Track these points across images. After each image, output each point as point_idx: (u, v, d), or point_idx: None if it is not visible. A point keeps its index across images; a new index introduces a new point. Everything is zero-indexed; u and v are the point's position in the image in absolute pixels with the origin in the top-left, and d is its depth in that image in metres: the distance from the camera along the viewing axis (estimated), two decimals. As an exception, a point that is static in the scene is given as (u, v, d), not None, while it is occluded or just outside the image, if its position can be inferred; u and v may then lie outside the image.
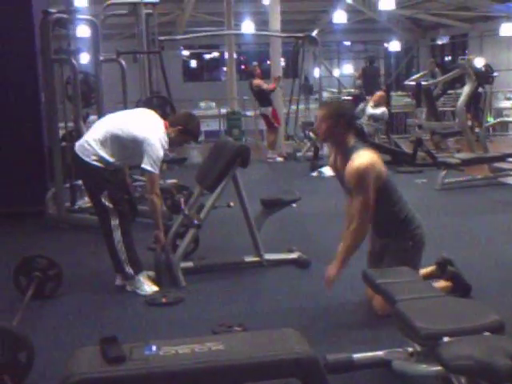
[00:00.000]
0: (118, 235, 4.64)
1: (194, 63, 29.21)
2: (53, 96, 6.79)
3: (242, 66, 26.27)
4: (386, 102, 11.55)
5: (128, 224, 4.75)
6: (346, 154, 4.07)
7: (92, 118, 9.24)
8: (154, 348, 2.75)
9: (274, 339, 2.82)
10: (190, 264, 5.10)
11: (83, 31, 8.96)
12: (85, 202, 6.88)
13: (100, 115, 6.73)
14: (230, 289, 4.82)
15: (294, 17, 21.07)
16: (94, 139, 4.63)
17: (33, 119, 7.33)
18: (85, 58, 9.60)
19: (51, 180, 7.15)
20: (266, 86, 11.91)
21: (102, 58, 7.19)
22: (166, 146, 4.67)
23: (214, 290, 4.78)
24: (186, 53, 27.68)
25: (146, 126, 4.64)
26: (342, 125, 4.07)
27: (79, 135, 7.08)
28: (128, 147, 4.63)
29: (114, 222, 4.63)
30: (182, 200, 5.06)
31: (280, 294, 4.67)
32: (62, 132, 7.47)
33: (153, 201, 4.64)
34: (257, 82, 11.93)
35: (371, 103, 11.23)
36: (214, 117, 16.50)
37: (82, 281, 5.05)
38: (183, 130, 4.79)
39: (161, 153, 4.58)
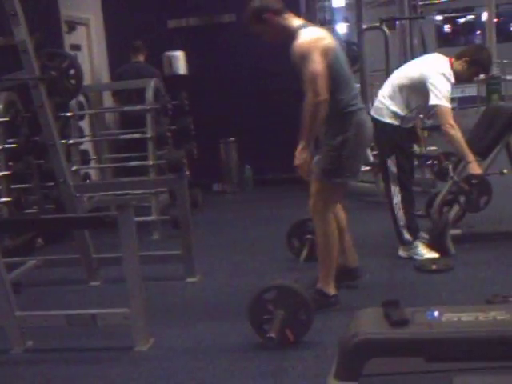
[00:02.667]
0: (397, 200, 4.69)
1: (447, 27, 28.27)
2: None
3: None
4: None
5: (408, 191, 4.76)
6: (294, 37, 3.67)
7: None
8: (436, 314, 2.74)
9: None
10: (458, 232, 4.99)
11: (339, 1, 9.06)
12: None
13: (363, 83, 6.78)
14: (502, 259, 4.64)
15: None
16: (383, 96, 4.74)
17: (296, 91, 7.57)
18: (342, 28, 9.69)
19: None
20: None
21: (364, 27, 7.21)
22: (452, 80, 4.57)
23: (484, 260, 4.65)
24: (438, 17, 26.85)
25: (427, 65, 4.64)
26: (269, 18, 3.73)
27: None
28: (415, 92, 4.62)
29: (395, 187, 4.69)
30: (451, 167, 4.95)
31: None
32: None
33: (448, 132, 4.53)
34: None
35: None
36: (471, 82, 15.83)
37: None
38: (470, 61, 4.66)
39: (446, 86, 4.51)
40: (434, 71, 4.54)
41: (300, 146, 3.65)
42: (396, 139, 4.68)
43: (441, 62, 4.64)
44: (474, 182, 4.61)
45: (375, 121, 4.72)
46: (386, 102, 4.68)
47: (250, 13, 3.83)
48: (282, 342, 3.34)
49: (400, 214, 4.70)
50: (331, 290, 3.88)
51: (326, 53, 3.62)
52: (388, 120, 4.67)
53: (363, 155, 4.11)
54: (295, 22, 3.79)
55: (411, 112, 4.67)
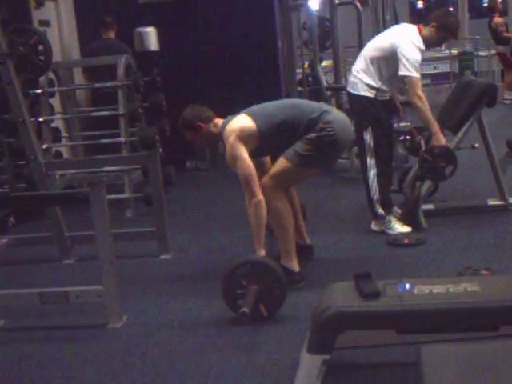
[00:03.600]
0: (372, 174, 4.70)
1: (420, 4, 28.28)
2: (290, 42, 6.94)
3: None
4: None
5: (385, 165, 4.77)
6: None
7: (325, 62, 9.33)
8: (407, 286, 2.76)
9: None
10: (430, 206, 5.04)
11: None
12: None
13: (336, 59, 6.79)
14: (473, 232, 4.69)
15: None
16: (357, 70, 4.75)
17: (271, 65, 7.56)
18: (315, 3, 9.61)
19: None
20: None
21: (337, 2, 7.19)
22: (422, 47, 4.59)
23: (456, 233, 4.68)
24: (413, -7, 26.84)
25: (396, 35, 4.65)
26: (199, 126, 3.94)
27: (316, 79, 7.25)
28: (386, 63, 4.62)
29: (371, 160, 4.70)
30: (423, 141, 4.97)
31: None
32: (298, 77, 7.63)
33: (415, 103, 4.58)
34: (499, 19, 11.21)
35: None
36: (444, 58, 15.90)
37: (324, 221, 5.21)
38: (438, 26, 4.65)
39: (415, 55, 4.52)
40: (404, 40, 4.54)
41: (257, 250, 3.69)
42: (372, 111, 4.67)
43: (409, 31, 4.66)
44: (437, 151, 4.64)
45: (351, 95, 4.79)
46: (360, 76, 4.68)
47: (183, 122, 4.02)
48: (256, 317, 3.35)
49: (374, 187, 4.71)
50: (295, 267, 3.90)
51: (251, 134, 3.76)
52: (363, 93, 4.67)
53: (340, 151, 4.11)
54: (217, 126, 3.95)
55: (384, 83, 4.66)
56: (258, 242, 3.69)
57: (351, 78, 4.81)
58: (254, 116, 3.85)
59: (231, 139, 3.74)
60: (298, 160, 3.81)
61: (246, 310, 3.27)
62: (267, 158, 4.11)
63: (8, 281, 4.44)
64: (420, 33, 4.63)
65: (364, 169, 4.76)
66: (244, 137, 3.75)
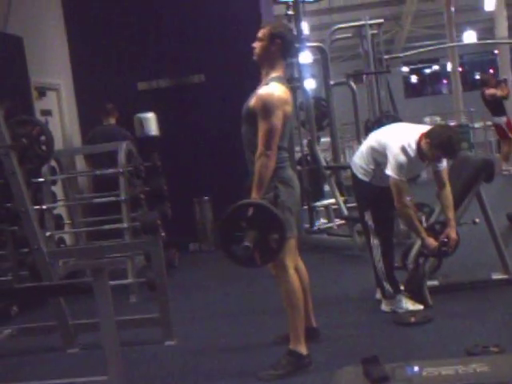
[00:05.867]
0: (377, 254, 4.73)
1: (414, 78, 28.89)
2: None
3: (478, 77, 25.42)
4: None
5: (389, 245, 4.79)
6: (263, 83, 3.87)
7: (323, 140, 9.45)
8: (416, 368, 2.74)
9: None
10: (435, 282, 5.02)
11: (306, 58, 9.20)
12: (321, 223, 7.06)
13: (333, 137, 6.88)
14: (479, 308, 4.66)
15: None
16: (356, 155, 4.83)
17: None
18: (310, 84, 9.81)
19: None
20: (499, 92, 11.37)
21: (332, 82, 7.34)
22: (412, 155, 4.48)
23: (462, 310, 4.66)
24: (405, 69, 27.44)
25: (396, 135, 4.62)
26: (276, 47, 3.85)
27: (315, 159, 7.33)
28: (380, 155, 4.62)
29: (374, 240, 4.73)
30: (424, 218, 4.99)
31: (535, 313, 4.45)
32: (297, 157, 7.72)
33: (400, 211, 4.60)
34: (491, 91, 11.42)
35: None
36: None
37: (329, 301, 5.18)
38: (431, 144, 4.50)
39: (401, 159, 4.44)
40: (396, 143, 4.51)
41: (253, 196, 3.69)
42: (369, 195, 4.72)
43: (408, 135, 4.58)
44: (437, 228, 4.72)
45: (353, 176, 4.84)
46: (358, 161, 4.76)
47: (275, 30, 3.90)
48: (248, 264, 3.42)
49: (380, 266, 4.72)
50: (303, 350, 3.85)
51: (285, 115, 3.77)
52: (361, 176, 4.73)
53: (296, 211, 4.04)
54: (275, 73, 3.88)
55: (375, 170, 4.67)
56: (257, 190, 3.66)
57: (354, 158, 4.89)
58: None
59: (280, 90, 3.76)
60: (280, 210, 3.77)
61: (248, 243, 3.30)
62: None
63: (11, 373, 4.38)
64: (419, 142, 4.53)
65: (369, 248, 4.80)
66: (286, 103, 3.78)
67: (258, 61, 3.93)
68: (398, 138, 4.56)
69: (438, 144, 4.48)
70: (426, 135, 4.52)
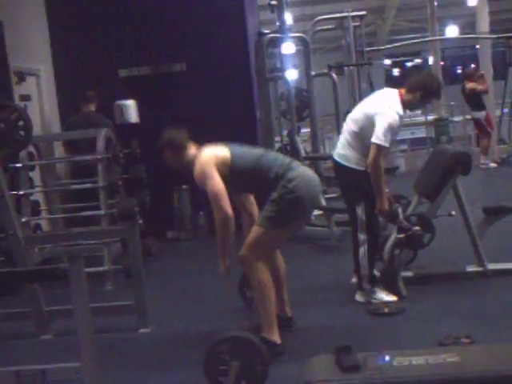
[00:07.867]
0: (364, 250, 4.71)
1: (396, 71, 28.96)
2: (268, 112, 7.06)
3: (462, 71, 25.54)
4: None
5: (375, 244, 4.80)
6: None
7: (304, 131, 9.46)
8: (387, 358, 2.76)
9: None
10: (409, 273, 5.05)
11: (289, 48, 9.21)
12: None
13: (313, 128, 6.90)
14: (453, 299, 4.71)
15: (502, 16, 20.24)
16: (344, 145, 4.72)
17: (250, 136, 7.65)
18: (292, 74, 9.80)
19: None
20: (480, 87, 11.42)
21: (313, 73, 7.35)
22: (401, 112, 4.55)
23: (435, 301, 4.70)
24: (387, 62, 27.51)
25: (379, 102, 4.64)
26: (176, 149, 4.15)
27: (294, 149, 7.35)
28: (367, 136, 4.56)
29: (362, 236, 4.70)
30: (400, 209, 5.01)
31: (508, 305, 4.49)
32: (277, 147, 7.72)
33: (373, 166, 4.50)
34: (471, 85, 11.46)
35: None
36: (420, 124, 16.18)
37: (304, 290, 5.20)
38: (424, 93, 4.62)
39: (392, 118, 4.47)
40: (382, 107, 4.53)
41: (219, 258, 3.96)
42: (364, 185, 4.63)
43: (389, 96, 4.65)
44: (413, 220, 4.71)
45: (340, 166, 4.73)
46: (349, 151, 4.66)
47: (168, 140, 4.20)
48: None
49: (364, 263, 4.70)
50: (276, 338, 3.87)
51: (223, 163, 3.95)
52: (354, 166, 4.65)
53: (307, 208, 4.11)
54: (192, 151, 4.14)
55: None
56: (221, 251, 3.95)
57: (340, 150, 4.75)
58: (231, 148, 4.06)
59: (203, 159, 3.95)
60: (268, 224, 3.86)
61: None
62: (252, 200, 4.25)
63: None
64: (401, 97, 4.61)
65: (355, 242, 4.75)
66: (216, 160, 3.94)
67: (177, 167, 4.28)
68: (382, 103, 4.59)
69: (430, 90, 4.64)
70: (405, 88, 4.65)
